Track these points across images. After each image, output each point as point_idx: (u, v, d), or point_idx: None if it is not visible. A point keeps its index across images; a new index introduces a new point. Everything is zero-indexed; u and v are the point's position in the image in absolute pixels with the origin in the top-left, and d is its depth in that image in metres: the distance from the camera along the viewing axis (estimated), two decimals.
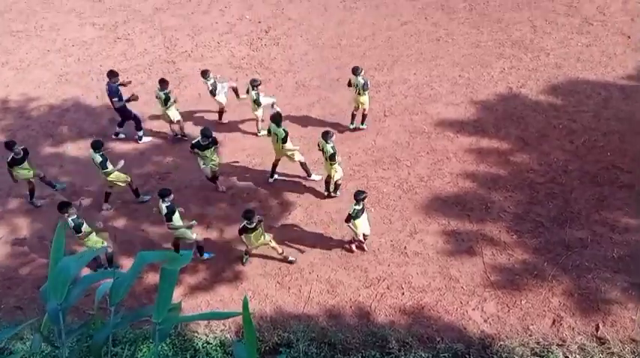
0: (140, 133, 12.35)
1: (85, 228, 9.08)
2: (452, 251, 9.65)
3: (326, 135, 10.03)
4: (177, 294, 9.58)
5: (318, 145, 10.33)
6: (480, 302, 8.87)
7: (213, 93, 12.04)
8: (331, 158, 9.99)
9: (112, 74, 11.76)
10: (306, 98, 13.11)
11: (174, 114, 11.94)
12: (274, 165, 11.07)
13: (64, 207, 9.02)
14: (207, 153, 10.44)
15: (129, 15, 16.38)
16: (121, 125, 12.38)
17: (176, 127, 12.28)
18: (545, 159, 11.03)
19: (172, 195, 9.24)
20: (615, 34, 13.64)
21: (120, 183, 10.64)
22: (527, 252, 9.48)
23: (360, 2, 15.91)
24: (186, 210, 10.00)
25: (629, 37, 13.48)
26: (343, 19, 15.47)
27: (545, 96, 12.41)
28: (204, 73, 11.94)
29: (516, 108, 12.15)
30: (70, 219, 8.90)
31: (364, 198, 9.17)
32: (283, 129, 10.49)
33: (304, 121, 12.44)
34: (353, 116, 12.00)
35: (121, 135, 12.51)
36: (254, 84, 11.60)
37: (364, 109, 11.81)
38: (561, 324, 8.45)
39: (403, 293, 9.16)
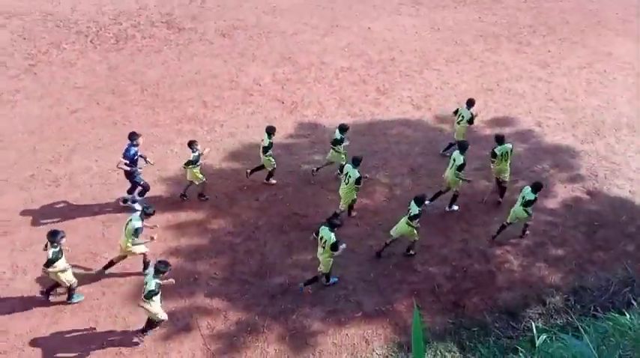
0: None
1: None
2: (169, 334, 9.48)
3: None
4: None
5: None
6: None
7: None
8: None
9: (133, 135, 11.40)
10: None
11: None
12: None
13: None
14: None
15: None
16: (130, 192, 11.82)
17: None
18: (239, 220, 11.97)
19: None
20: (272, 100, 15.90)
21: None
22: (239, 312, 10.01)
23: (19, 94, 14.71)
24: None
25: (282, 102, 15.89)
26: (1, 113, 13.98)
27: (227, 163, 13.53)
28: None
29: (206, 179, 12.88)
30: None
31: None
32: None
33: None
34: None
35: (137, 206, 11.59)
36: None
37: None
38: None
39: None
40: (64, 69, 16.02)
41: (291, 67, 17.31)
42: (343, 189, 11.50)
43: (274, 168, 12.59)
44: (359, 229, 11.92)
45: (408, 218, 10.49)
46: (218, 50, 17.78)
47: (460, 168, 11.59)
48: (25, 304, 9.68)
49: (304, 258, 11.14)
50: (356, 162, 11.24)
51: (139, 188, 11.89)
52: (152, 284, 8.67)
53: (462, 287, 10.69)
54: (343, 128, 12.42)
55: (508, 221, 11.36)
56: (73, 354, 9.01)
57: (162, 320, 9.17)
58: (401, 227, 10.66)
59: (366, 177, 12.25)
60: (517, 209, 11.16)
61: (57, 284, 9.60)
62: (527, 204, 10.94)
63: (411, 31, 19.59)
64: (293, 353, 9.36)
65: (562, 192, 12.99)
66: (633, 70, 17.71)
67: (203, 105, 15.32)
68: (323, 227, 9.81)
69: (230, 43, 18.26)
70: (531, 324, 9.79)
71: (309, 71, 17.18)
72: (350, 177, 11.24)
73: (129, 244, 9.85)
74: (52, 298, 9.76)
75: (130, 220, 9.82)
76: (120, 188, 12.24)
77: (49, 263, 9.07)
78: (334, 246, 9.56)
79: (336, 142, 12.43)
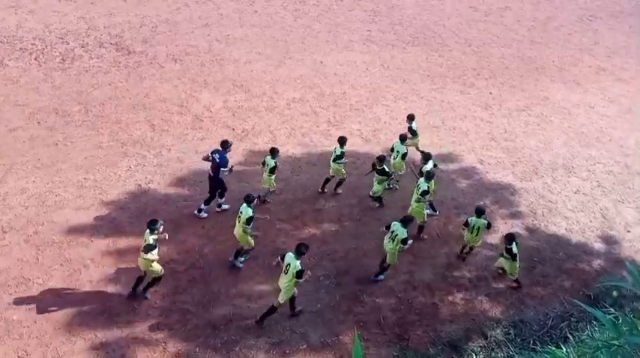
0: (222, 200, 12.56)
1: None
2: None
3: None
4: None
5: None
6: None
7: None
8: None
9: (226, 143, 12.25)
10: None
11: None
12: None
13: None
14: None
15: None
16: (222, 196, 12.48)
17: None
18: (183, 247, 11.62)
19: None
20: (222, 127, 15.76)
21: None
22: (179, 343, 9.62)
23: None
24: None
25: (233, 129, 15.78)
26: None
27: (173, 188, 13.21)
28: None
29: (148, 203, 12.51)
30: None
31: None
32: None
33: None
34: None
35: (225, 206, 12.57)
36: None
37: None
38: None
39: None
40: (5, 85, 15.34)
41: (243, 94, 17.31)
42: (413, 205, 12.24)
43: (345, 178, 13.37)
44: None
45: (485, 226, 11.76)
46: (169, 74, 17.57)
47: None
48: None
49: (250, 288, 10.91)
50: (429, 176, 12.20)
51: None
52: (297, 264, 9.46)
53: (406, 320, 10.74)
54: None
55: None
56: None
57: (295, 298, 9.97)
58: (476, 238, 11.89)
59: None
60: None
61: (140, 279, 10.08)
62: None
63: (362, 67, 20.11)
64: None
65: (503, 227, 13.43)
66: (569, 114, 18.82)
67: (151, 129, 14.99)
68: (395, 222, 10.83)
69: (181, 68, 18.10)
70: (473, 357, 9.98)
71: (261, 100, 17.22)
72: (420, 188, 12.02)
73: (244, 233, 10.69)
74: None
75: (241, 211, 10.68)
76: (57, 210, 11.69)
77: (149, 248, 9.52)
78: (405, 241, 10.64)
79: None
